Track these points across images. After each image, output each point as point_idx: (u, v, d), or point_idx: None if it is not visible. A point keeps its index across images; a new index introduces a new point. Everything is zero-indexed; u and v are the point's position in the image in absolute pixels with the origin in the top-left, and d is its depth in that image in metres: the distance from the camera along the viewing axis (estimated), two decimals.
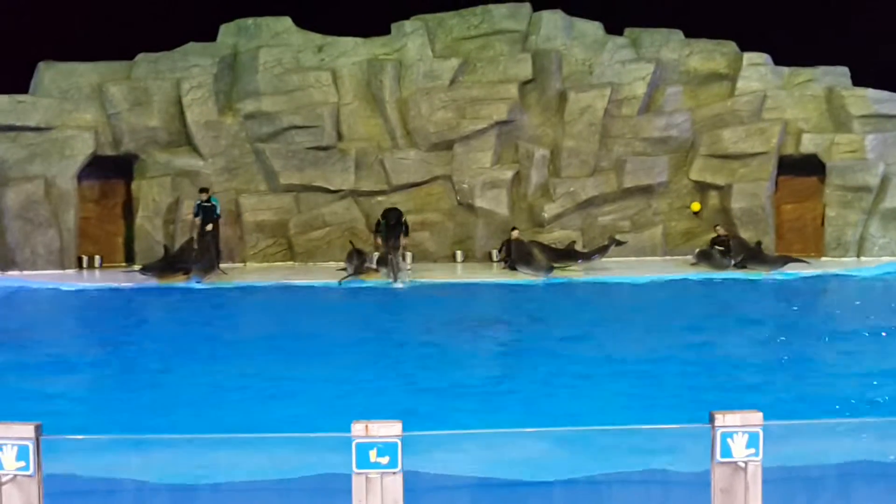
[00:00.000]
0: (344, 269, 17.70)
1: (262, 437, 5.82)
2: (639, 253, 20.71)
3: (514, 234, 19.29)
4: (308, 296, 16.13)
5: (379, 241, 18.29)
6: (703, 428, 4.44)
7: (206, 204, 18.69)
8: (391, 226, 17.81)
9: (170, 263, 17.89)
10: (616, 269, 18.55)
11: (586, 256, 18.94)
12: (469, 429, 6.76)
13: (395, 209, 18.43)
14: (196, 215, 18.73)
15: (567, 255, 18.99)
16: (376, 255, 18.59)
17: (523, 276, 17.86)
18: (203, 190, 19.00)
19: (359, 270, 17.51)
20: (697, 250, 19.81)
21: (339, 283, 16.97)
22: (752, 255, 18.87)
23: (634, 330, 12.76)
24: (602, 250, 19.10)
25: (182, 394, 9.24)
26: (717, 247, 19.55)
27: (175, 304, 15.65)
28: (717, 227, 20.08)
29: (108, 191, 20.30)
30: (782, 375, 10.06)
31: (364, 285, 16.94)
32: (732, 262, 18.76)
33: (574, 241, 19.86)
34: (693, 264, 19.43)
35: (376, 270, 17.76)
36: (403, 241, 18.06)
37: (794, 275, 18.05)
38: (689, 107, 21.28)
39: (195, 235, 18.63)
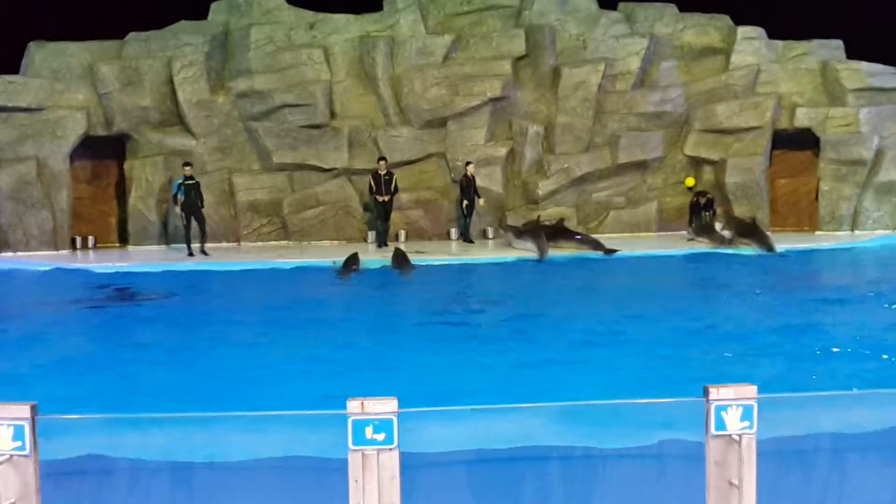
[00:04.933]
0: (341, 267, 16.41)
1: (257, 415, 5.83)
2: (633, 228, 20.75)
3: (470, 168, 19.38)
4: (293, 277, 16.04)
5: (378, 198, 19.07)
6: (697, 401, 4.46)
7: (189, 181, 17.90)
8: (381, 185, 18.96)
9: None
10: (611, 245, 18.52)
11: (580, 241, 18.50)
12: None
13: (382, 159, 19.35)
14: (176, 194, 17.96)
15: (558, 232, 18.77)
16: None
17: (521, 253, 17.74)
18: (187, 164, 18.29)
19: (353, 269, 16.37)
20: (694, 225, 19.83)
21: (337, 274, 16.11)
22: (750, 232, 18.55)
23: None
24: (591, 244, 18.21)
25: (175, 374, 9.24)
26: (702, 211, 19.69)
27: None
28: (700, 196, 20.11)
29: (100, 171, 20.21)
30: None
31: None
32: (729, 236, 18.72)
33: (563, 219, 19.69)
34: (689, 240, 19.44)
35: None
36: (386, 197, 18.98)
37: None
38: (683, 81, 21.24)
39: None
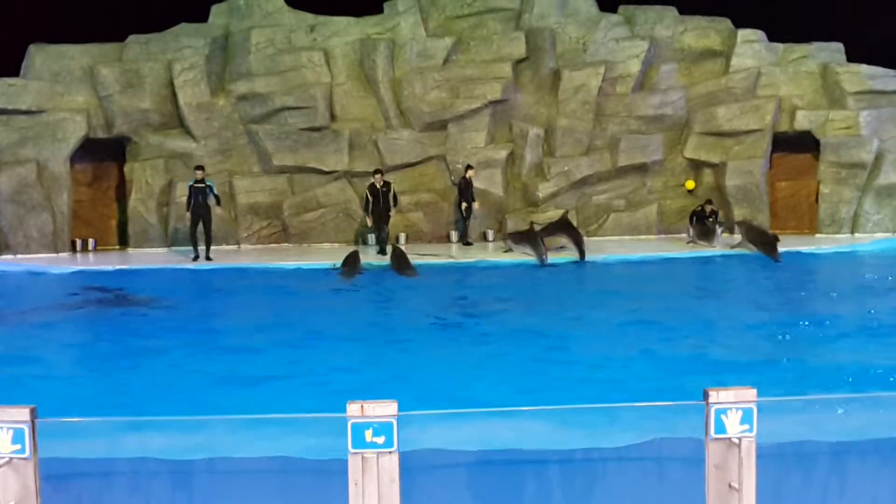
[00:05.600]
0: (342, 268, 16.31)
1: (256, 419, 5.83)
2: (633, 231, 20.76)
3: (470, 173, 19.42)
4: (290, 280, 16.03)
5: (369, 220, 18.67)
6: (697, 405, 4.46)
7: (198, 185, 17.61)
8: (378, 197, 18.34)
9: None
10: (611, 248, 18.54)
11: (576, 240, 17.96)
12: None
13: (378, 172, 18.82)
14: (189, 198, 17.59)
15: (560, 227, 18.59)
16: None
17: (520, 256, 17.70)
18: (198, 167, 17.95)
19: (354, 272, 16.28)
20: (696, 228, 19.72)
21: (336, 272, 16.13)
22: (762, 240, 17.97)
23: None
24: (579, 247, 17.76)
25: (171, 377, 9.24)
26: (706, 219, 19.61)
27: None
28: (707, 205, 20.03)
29: (101, 173, 20.23)
30: None
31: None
32: (737, 242, 18.60)
33: (567, 211, 19.62)
34: (689, 242, 19.41)
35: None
36: (392, 212, 18.51)
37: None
38: (683, 84, 21.25)
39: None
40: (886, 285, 14.51)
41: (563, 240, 18.22)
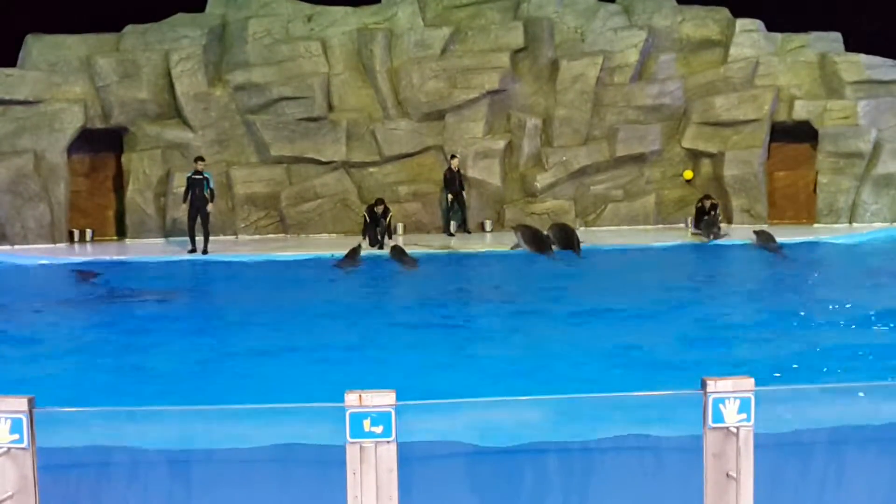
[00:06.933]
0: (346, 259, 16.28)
1: (255, 408, 5.83)
2: (631, 221, 20.75)
3: (454, 162, 19.55)
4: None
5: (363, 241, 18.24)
6: (694, 394, 4.46)
7: (196, 176, 17.46)
8: (374, 218, 18.19)
9: None
10: (610, 238, 18.53)
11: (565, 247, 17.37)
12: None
13: (380, 202, 18.47)
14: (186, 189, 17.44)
15: (565, 238, 18.14)
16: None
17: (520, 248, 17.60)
18: (198, 159, 17.78)
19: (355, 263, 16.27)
20: (698, 220, 19.57)
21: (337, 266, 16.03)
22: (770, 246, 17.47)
23: None
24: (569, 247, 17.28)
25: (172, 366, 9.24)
26: (706, 213, 19.55)
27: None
28: (706, 200, 19.89)
29: (98, 164, 20.20)
30: None
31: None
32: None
33: (574, 230, 19.10)
34: (694, 234, 19.33)
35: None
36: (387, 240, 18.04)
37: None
38: (681, 74, 21.21)
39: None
40: (886, 275, 14.51)
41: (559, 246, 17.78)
